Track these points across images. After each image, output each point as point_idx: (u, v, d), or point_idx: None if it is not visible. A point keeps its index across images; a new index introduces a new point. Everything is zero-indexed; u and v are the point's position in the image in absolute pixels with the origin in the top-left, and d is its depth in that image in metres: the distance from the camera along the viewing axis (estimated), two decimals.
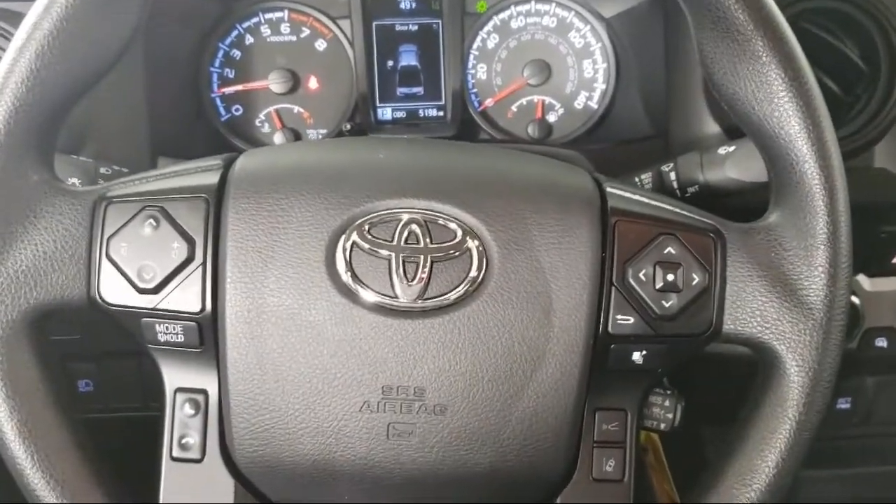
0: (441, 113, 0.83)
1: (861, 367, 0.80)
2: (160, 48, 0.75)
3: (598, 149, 0.79)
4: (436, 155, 0.53)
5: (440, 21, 0.81)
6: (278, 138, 0.81)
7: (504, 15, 0.82)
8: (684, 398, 0.56)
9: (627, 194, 0.51)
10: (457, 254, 0.48)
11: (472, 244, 0.48)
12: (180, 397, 0.50)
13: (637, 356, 0.49)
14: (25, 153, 0.48)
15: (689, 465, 0.89)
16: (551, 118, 0.83)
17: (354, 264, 0.47)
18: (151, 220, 0.48)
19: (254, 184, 0.49)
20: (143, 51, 0.72)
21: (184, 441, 0.49)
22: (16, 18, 0.67)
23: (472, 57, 0.82)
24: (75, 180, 0.59)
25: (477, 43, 0.82)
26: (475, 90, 0.83)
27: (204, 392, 0.49)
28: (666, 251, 0.49)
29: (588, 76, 0.82)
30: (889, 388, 0.83)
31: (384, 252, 0.47)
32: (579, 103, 0.83)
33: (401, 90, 0.83)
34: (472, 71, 0.83)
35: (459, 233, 0.48)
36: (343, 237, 0.47)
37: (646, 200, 0.51)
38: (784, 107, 0.48)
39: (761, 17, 0.47)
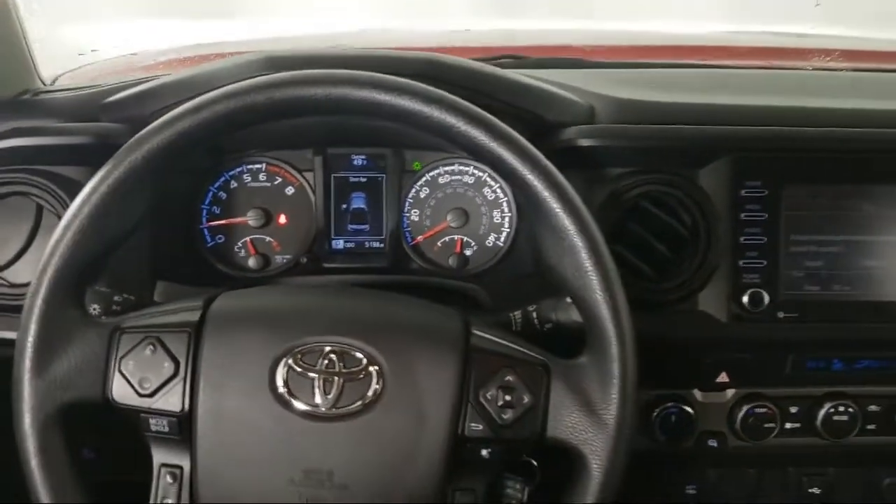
0: (382, 245, 1.04)
1: (701, 460, 1.01)
2: (162, 192, 0.97)
3: (502, 280, 1.00)
4: (351, 301, 0.75)
5: (384, 175, 1.03)
6: (252, 262, 1.02)
7: (434, 172, 1.03)
8: (532, 483, 0.77)
9: (486, 335, 0.73)
10: (362, 376, 0.69)
11: (372, 370, 0.69)
12: (164, 470, 0.70)
13: (485, 452, 0.70)
14: (67, 296, 0.69)
15: None
16: (468, 252, 1.04)
17: (289, 382, 0.68)
18: (151, 346, 0.69)
19: (223, 322, 0.70)
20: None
21: (165, 502, 0.70)
22: (66, 182, 0.89)
23: (407, 203, 1.03)
24: (96, 306, 0.80)
25: (412, 193, 1.03)
26: (409, 229, 1.04)
27: (180, 467, 0.70)
28: (506, 379, 0.70)
29: (497, 222, 1.03)
30: (729, 477, 1.03)
31: (310, 374, 0.69)
32: (489, 242, 1.04)
33: (351, 227, 1.03)
34: (407, 214, 1.04)
35: (364, 361, 0.69)
36: (282, 362, 0.69)
37: (497, 340, 0.72)
38: (590, 282, 0.70)
39: (578, 221, 0.70)
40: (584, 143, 0.90)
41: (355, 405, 0.68)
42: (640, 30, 1.50)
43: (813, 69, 1.24)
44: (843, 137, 0.89)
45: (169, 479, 0.70)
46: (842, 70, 1.22)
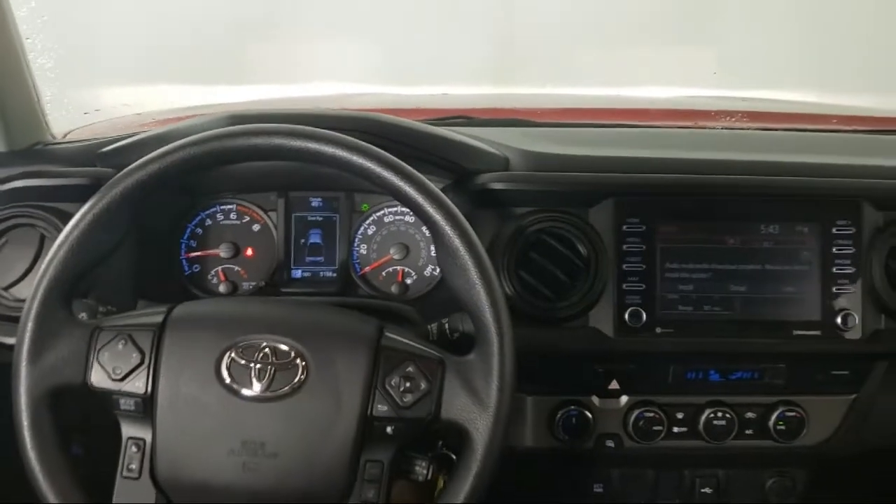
0: (334, 275, 1.20)
1: (603, 460, 1.16)
2: (146, 227, 1.15)
3: (435, 303, 1.17)
4: (285, 308, 0.93)
5: (338, 215, 1.20)
6: (222, 288, 1.19)
7: (380, 213, 1.21)
8: (439, 465, 0.93)
9: (395, 337, 0.89)
10: (290, 367, 0.85)
11: (299, 362, 0.86)
12: (130, 442, 0.87)
13: (389, 429, 0.86)
14: (58, 301, 0.87)
15: None
16: (408, 281, 1.20)
17: (232, 370, 0.85)
18: (122, 341, 0.86)
19: (181, 323, 0.88)
20: (135, 230, 1.13)
21: (130, 467, 0.86)
22: (65, 216, 1.07)
23: (357, 239, 1.20)
24: (84, 314, 0.98)
25: (361, 230, 1.20)
26: (358, 261, 1.21)
27: (143, 439, 0.86)
28: (408, 370, 0.86)
29: (433, 255, 1.20)
30: (630, 477, 1.19)
31: (249, 364, 0.85)
32: (427, 272, 1.20)
33: (308, 258, 1.21)
34: (357, 248, 1.21)
35: (293, 354, 0.86)
36: (226, 355, 0.85)
37: (403, 340, 0.89)
38: (478, 294, 0.86)
39: (468, 244, 0.87)
40: (496, 186, 1.08)
41: (284, 390, 0.85)
42: (580, 94, 1.71)
43: (722, 128, 1.43)
44: (705, 183, 1.07)
45: (134, 448, 0.87)
46: (746, 129, 1.40)
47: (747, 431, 1.12)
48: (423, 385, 0.86)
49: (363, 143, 0.90)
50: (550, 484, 1.21)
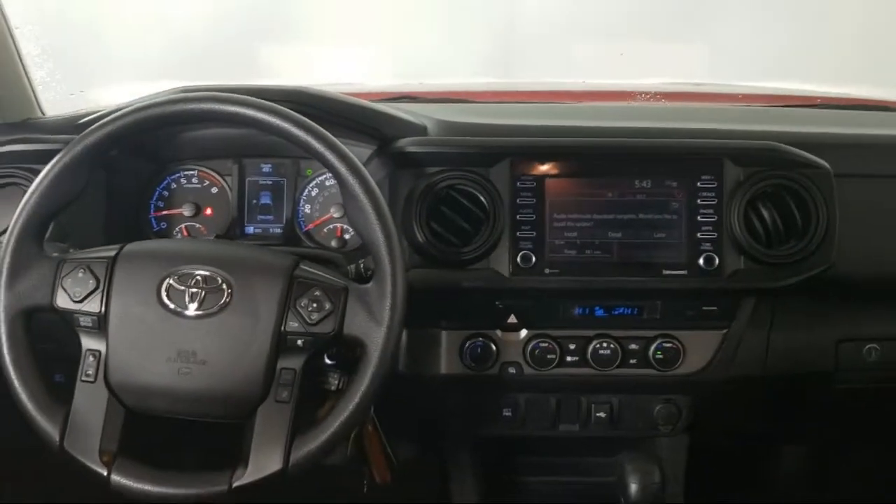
0: (281, 231, 1.39)
1: (507, 385, 1.33)
2: (118, 190, 1.35)
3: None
4: (216, 245, 1.11)
5: (285, 179, 1.39)
6: None
7: (322, 177, 1.39)
8: (346, 379, 1.11)
9: (308, 269, 1.08)
10: (218, 290, 1.04)
11: (225, 287, 1.04)
12: (88, 353, 1.05)
13: (300, 342, 1.04)
14: (30, 238, 1.06)
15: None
16: (346, 236, 1.37)
17: (170, 294, 1.04)
18: (82, 270, 1.05)
19: (130, 256, 1.07)
20: (106, 193, 1.32)
21: (87, 373, 1.05)
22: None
23: (302, 200, 1.39)
24: (55, 254, 1.16)
25: (305, 192, 1.39)
26: (302, 218, 1.39)
27: (99, 350, 1.05)
28: (315, 294, 1.04)
29: None
30: (534, 403, 1.36)
31: (184, 289, 1.04)
32: None
33: (259, 217, 1.39)
34: (301, 208, 1.39)
35: (220, 280, 1.04)
36: (165, 281, 1.04)
37: (314, 271, 1.07)
38: (375, 232, 1.04)
39: (366, 189, 1.05)
40: (411, 149, 1.26)
41: (213, 309, 1.03)
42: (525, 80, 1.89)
43: (638, 104, 1.60)
44: (585, 145, 1.25)
45: (91, 358, 1.05)
46: (652, 104, 1.58)
47: (631, 361, 1.29)
48: (327, 306, 1.04)
49: (281, 107, 1.08)
50: (468, 411, 1.39)
